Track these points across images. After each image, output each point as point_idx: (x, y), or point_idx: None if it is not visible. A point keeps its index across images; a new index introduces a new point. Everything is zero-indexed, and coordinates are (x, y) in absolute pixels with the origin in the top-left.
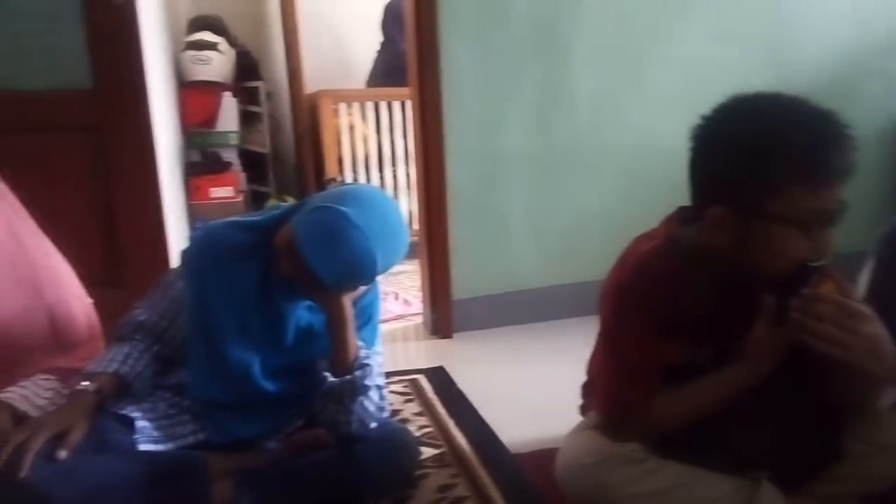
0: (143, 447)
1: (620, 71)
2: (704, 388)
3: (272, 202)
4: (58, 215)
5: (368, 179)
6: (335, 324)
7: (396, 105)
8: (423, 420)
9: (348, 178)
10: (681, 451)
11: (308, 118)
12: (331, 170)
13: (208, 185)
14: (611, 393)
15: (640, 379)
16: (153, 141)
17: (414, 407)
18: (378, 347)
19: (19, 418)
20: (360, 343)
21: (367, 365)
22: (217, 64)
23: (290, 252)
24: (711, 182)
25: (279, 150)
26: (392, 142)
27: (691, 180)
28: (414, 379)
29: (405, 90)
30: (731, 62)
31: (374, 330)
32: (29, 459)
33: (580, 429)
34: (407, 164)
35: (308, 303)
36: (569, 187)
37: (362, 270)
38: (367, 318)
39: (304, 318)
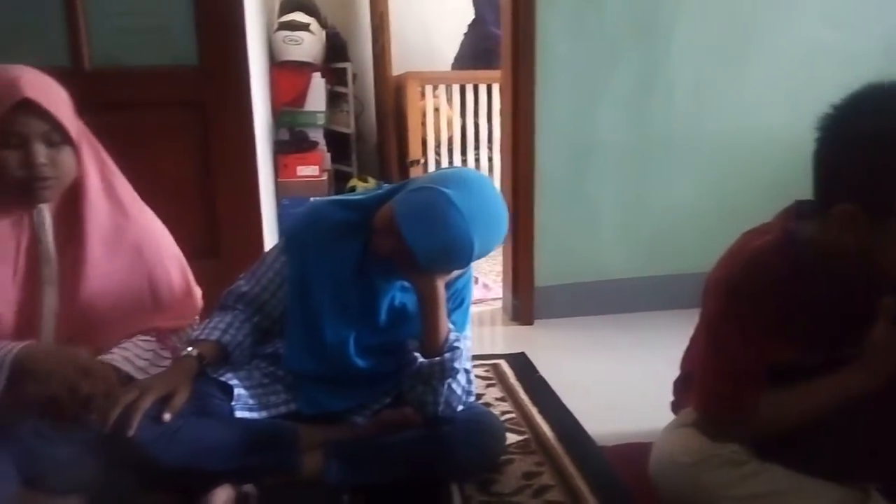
0: (239, 414)
1: (722, 58)
2: (815, 393)
3: (354, 182)
4: (162, 187)
5: (451, 162)
6: (427, 305)
7: (482, 88)
8: (505, 405)
9: (431, 160)
10: (784, 455)
11: (393, 100)
12: (414, 152)
13: (295, 163)
14: (713, 391)
15: (746, 378)
16: (252, 118)
17: (496, 392)
18: (467, 332)
19: (122, 379)
20: (451, 326)
21: (457, 348)
22: (308, 44)
23: (390, 230)
24: (840, 177)
25: (362, 130)
26: (476, 125)
27: (816, 173)
28: (495, 364)
29: (492, 73)
30: (841, 49)
31: (466, 314)
32: (137, 419)
33: (675, 426)
34: (490, 147)
35: (403, 283)
36: (661, 177)
37: (458, 253)
38: (459, 301)
39: (399, 299)
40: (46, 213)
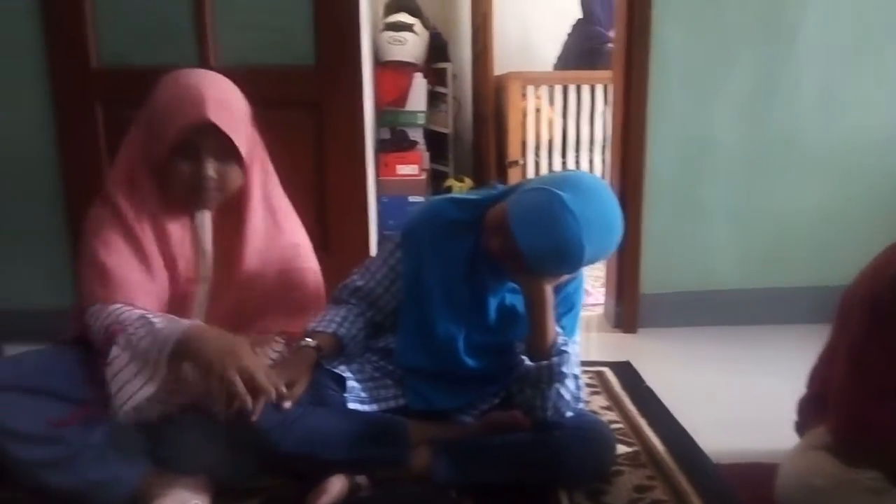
0: (350, 406)
1: (854, 56)
2: None
3: (450, 182)
4: (281, 182)
5: (551, 164)
6: (534, 308)
7: (585, 89)
8: (611, 415)
9: (530, 161)
10: None
11: (493, 100)
12: (513, 153)
13: (396, 161)
14: (853, 413)
15: (892, 403)
16: (363, 117)
17: (601, 400)
18: (577, 337)
19: None
20: (559, 330)
21: (565, 352)
22: (412, 45)
23: (501, 229)
24: None
25: (458, 130)
26: (578, 126)
27: None
28: (600, 371)
29: (596, 74)
30: None
31: (575, 319)
32: (261, 406)
33: (805, 447)
34: (591, 149)
35: (513, 284)
36: (780, 182)
37: (568, 257)
38: (569, 306)
39: (509, 299)
40: (207, 216)
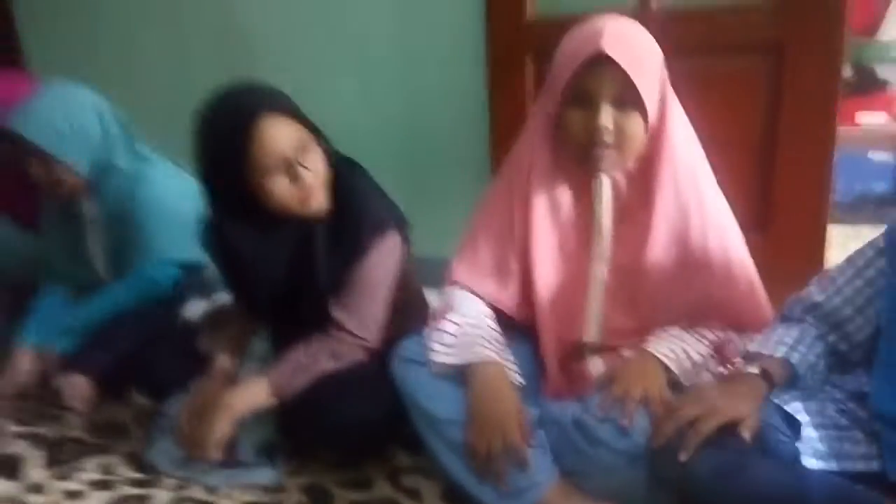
0: (805, 461)
1: None
2: None
3: None
4: (717, 143)
5: None
6: None
7: None
8: None
9: None
10: None
11: None
12: None
13: (855, 108)
14: None
15: None
16: (840, 61)
17: None
18: None
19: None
20: None
21: None
22: None
23: None
24: None
25: None
26: None
27: None
28: None
29: None
30: None
31: None
32: (694, 443)
33: None
34: None
35: None
36: None
37: None
38: None
39: None
40: (606, 183)
